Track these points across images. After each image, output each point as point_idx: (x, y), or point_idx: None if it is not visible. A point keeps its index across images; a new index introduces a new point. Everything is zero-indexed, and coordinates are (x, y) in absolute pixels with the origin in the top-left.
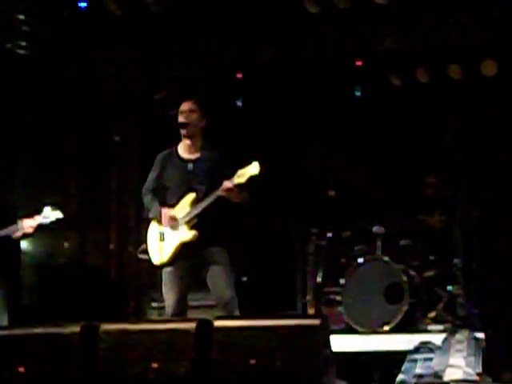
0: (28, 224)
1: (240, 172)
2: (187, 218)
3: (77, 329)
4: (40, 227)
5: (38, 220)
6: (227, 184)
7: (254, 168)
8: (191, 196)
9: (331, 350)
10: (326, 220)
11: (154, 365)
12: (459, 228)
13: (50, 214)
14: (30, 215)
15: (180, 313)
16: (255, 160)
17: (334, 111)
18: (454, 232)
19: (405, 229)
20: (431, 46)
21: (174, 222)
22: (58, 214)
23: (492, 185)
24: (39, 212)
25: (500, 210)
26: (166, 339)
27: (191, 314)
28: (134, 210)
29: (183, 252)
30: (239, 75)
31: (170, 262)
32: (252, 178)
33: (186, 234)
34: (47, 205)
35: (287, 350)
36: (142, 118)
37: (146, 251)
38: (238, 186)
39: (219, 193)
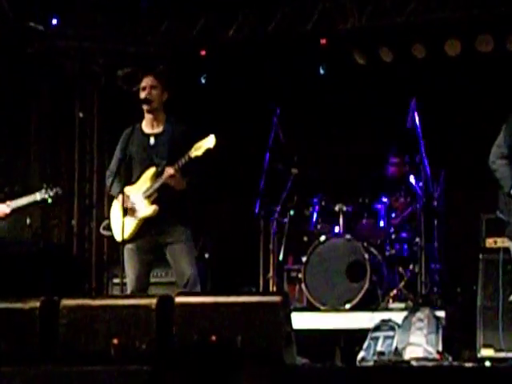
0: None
1: (196, 145)
2: (147, 193)
3: (37, 304)
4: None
5: (37, 197)
6: (169, 170)
7: (210, 141)
8: (151, 170)
9: (292, 328)
10: (288, 198)
11: (115, 341)
12: (420, 207)
13: (49, 191)
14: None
15: (140, 290)
16: (213, 134)
17: (299, 89)
18: (416, 211)
19: (367, 207)
20: (395, 24)
21: (128, 201)
22: (59, 190)
23: (452, 164)
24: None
25: (460, 190)
26: (127, 315)
27: (153, 291)
28: (96, 187)
29: (144, 228)
30: (203, 52)
31: (132, 238)
32: (208, 151)
33: (147, 209)
34: (45, 182)
35: (248, 326)
36: (105, 94)
37: (108, 227)
38: (194, 160)
39: (163, 178)
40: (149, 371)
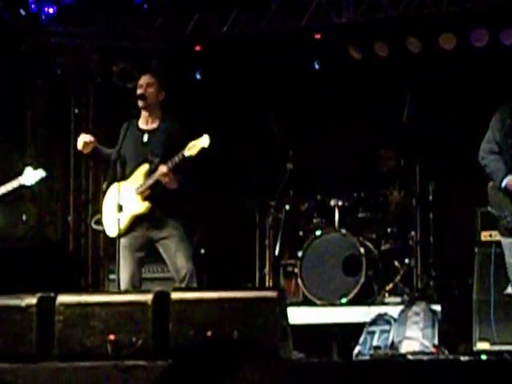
0: None
1: (191, 144)
2: (140, 190)
3: (33, 301)
4: (22, 188)
5: (20, 181)
6: (163, 169)
7: (204, 140)
8: (145, 167)
9: (288, 323)
10: (284, 193)
11: (111, 337)
12: (416, 201)
13: (31, 174)
14: None
15: (134, 288)
16: (208, 132)
17: (293, 84)
18: (411, 205)
19: (362, 202)
20: (390, 19)
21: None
22: (42, 173)
23: (448, 158)
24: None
25: (456, 183)
26: (123, 311)
27: (149, 287)
28: (92, 183)
29: (136, 224)
30: (198, 48)
31: (124, 234)
32: (203, 151)
33: (139, 206)
34: (27, 165)
35: (244, 322)
36: (101, 90)
37: (100, 222)
38: (187, 160)
39: (156, 176)
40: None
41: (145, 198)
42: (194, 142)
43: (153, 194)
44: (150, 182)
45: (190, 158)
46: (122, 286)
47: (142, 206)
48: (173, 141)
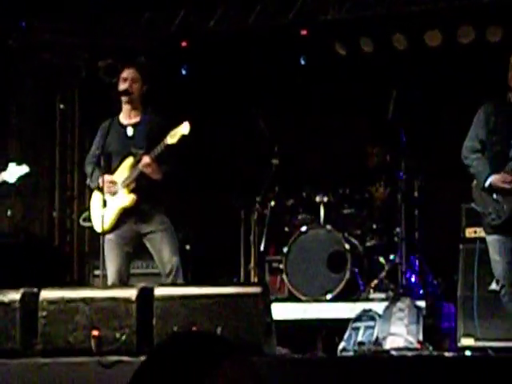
0: None
1: (172, 132)
2: (126, 182)
3: (17, 296)
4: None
5: (3, 177)
6: (146, 159)
7: (184, 127)
8: (129, 160)
9: (272, 318)
10: (269, 188)
11: (95, 332)
12: (401, 197)
13: (15, 170)
14: None
15: (121, 282)
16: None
17: (279, 80)
18: (397, 201)
19: (348, 198)
20: (376, 15)
21: (113, 187)
22: (25, 169)
23: (433, 155)
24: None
25: (440, 180)
26: (107, 307)
27: (135, 282)
28: (77, 179)
29: (124, 218)
30: (184, 44)
31: (112, 229)
32: (184, 138)
33: (126, 199)
34: (11, 161)
35: (228, 317)
36: (87, 86)
37: (88, 218)
38: (170, 149)
39: (140, 167)
40: (129, 363)
41: (131, 191)
42: (175, 130)
43: (138, 186)
44: (135, 173)
45: (173, 145)
46: (110, 281)
47: (128, 199)
48: (155, 133)
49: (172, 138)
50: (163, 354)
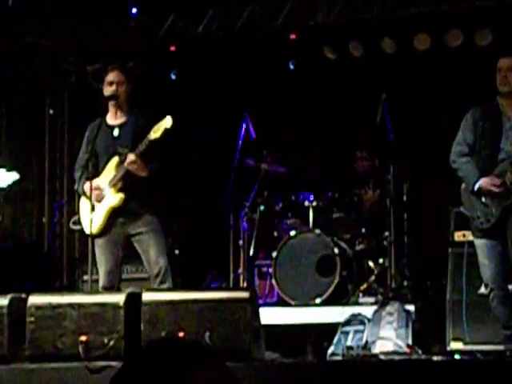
0: None
1: (155, 127)
2: (113, 182)
3: (5, 302)
4: None
5: None
6: (131, 157)
7: (167, 121)
8: (115, 160)
9: (260, 323)
10: (258, 193)
11: (83, 338)
12: (390, 201)
13: (4, 177)
14: None
15: (112, 285)
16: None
17: (268, 84)
18: (386, 205)
19: (337, 202)
20: (364, 19)
21: (99, 193)
22: (15, 176)
23: (422, 158)
24: None
25: (429, 184)
26: (95, 312)
27: (124, 287)
28: (67, 184)
29: (113, 219)
30: (172, 48)
31: (102, 232)
32: (167, 132)
33: (113, 198)
34: (1, 167)
35: (216, 322)
36: (76, 91)
37: (78, 222)
38: (154, 145)
39: (126, 165)
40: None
41: (118, 190)
42: (157, 125)
43: (126, 184)
44: (121, 172)
45: (157, 141)
46: (101, 284)
47: (116, 198)
48: (141, 133)
49: (155, 133)
50: (137, 362)
